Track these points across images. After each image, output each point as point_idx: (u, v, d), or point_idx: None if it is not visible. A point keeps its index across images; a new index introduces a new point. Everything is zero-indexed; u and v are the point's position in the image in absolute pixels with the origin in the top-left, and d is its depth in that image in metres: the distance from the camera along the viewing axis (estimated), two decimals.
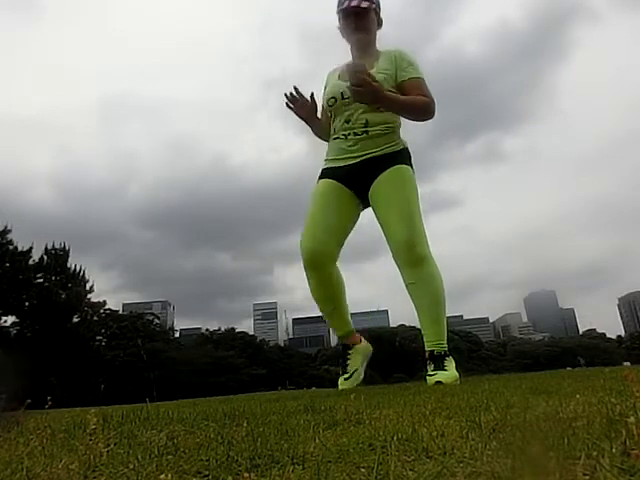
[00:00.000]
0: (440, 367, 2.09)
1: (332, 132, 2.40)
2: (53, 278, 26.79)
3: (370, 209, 2.35)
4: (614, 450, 0.52)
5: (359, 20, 2.33)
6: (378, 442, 0.66)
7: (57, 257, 27.32)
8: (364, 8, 2.31)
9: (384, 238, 2.25)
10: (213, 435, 0.79)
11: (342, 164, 2.31)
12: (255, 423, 0.91)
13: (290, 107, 2.44)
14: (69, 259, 27.78)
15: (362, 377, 2.31)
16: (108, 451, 0.69)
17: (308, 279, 2.33)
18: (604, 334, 65.83)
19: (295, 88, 2.42)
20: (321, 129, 2.51)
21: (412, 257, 2.15)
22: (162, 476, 0.52)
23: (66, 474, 0.58)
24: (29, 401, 1.18)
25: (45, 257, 27.04)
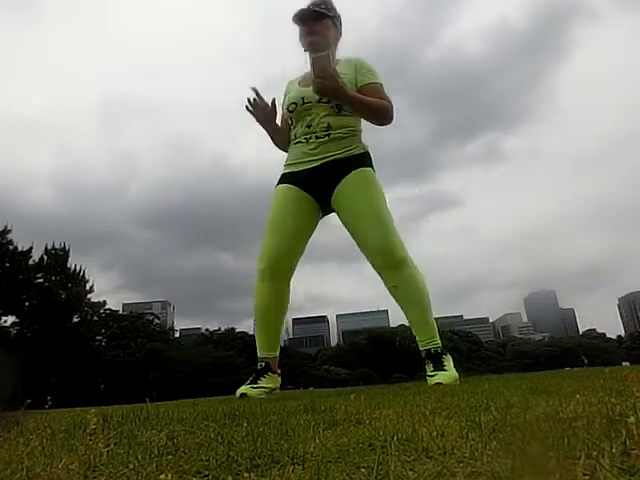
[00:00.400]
0: (440, 367, 2.09)
1: (293, 138, 2.36)
2: (53, 278, 26.80)
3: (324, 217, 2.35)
4: (614, 450, 0.52)
5: (313, 24, 2.35)
6: (378, 442, 0.66)
7: (57, 257, 27.33)
8: (317, 12, 2.34)
9: (353, 241, 2.23)
10: (213, 435, 0.79)
11: (303, 168, 2.27)
12: (255, 423, 0.91)
13: (250, 111, 2.38)
14: (69, 259, 27.81)
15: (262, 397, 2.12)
16: (108, 451, 0.69)
17: (259, 289, 2.26)
18: (604, 334, 65.89)
19: (255, 91, 2.37)
20: (280, 137, 2.46)
21: (391, 261, 2.14)
22: (162, 476, 0.52)
23: (66, 474, 0.58)
24: (29, 401, 1.18)
25: (45, 257, 27.04)
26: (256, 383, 2.18)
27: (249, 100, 2.37)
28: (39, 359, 22.43)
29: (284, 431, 0.80)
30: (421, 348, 2.18)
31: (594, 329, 71.31)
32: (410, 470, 0.53)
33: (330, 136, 2.24)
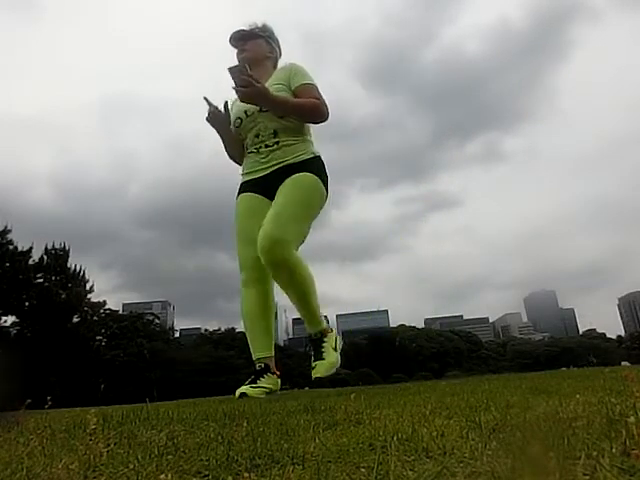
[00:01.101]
0: (319, 355, 2.20)
1: (246, 149, 2.44)
2: (53, 278, 26.80)
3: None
4: (614, 450, 0.52)
5: (243, 42, 2.49)
6: (378, 442, 0.66)
7: (57, 257, 27.33)
8: (246, 32, 2.50)
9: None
10: (213, 435, 0.79)
11: (257, 176, 2.36)
12: (255, 423, 0.91)
13: (210, 122, 2.43)
14: (69, 259, 27.82)
15: (261, 397, 2.14)
16: (108, 451, 0.69)
17: (244, 296, 2.32)
18: (604, 334, 65.92)
19: (207, 101, 2.42)
20: (235, 147, 2.50)
21: (272, 258, 2.11)
22: (162, 476, 0.52)
23: (66, 474, 0.58)
24: (29, 401, 1.18)
25: (45, 257, 27.05)
26: (255, 383, 2.19)
27: (208, 113, 2.42)
28: (39, 359, 22.44)
29: (284, 431, 0.80)
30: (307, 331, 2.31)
31: (594, 329, 71.37)
32: (410, 470, 0.53)
33: (279, 144, 2.33)
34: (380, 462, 0.55)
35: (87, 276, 28.27)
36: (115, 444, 0.75)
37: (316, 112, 2.32)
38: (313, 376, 2.10)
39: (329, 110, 2.34)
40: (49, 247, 27.62)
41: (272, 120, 2.33)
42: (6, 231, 25.19)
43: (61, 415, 1.55)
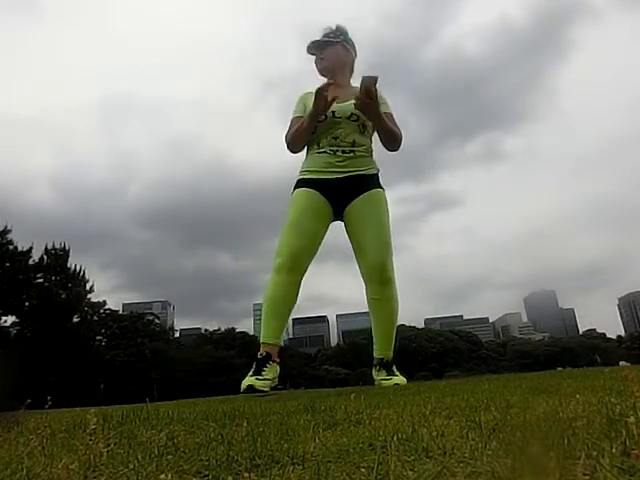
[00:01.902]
0: (392, 372, 2.43)
1: (315, 146, 2.51)
2: (53, 278, 26.77)
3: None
4: (614, 450, 0.52)
5: (322, 52, 2.64)
6: (378, 442, 0.66)
7: (57, 257, 27.30)
8: (325, 41, 2.63)
9: (352, 252, 2.46)
10: (213, 435, 0.79)
11: (328, 177, 2.43)
12: (255, 423, 0.91)
13: (319, 94, 2.36)
14: (69, 259, 27.79)
15: (269, 390, 2.21)
16: (108, 451, 0.69)
17: (274, 280, 2.37)
18: (604, 334, 65.85)
19: (329, 83, 2.44)
20: (308, 136, 2.52)
21: (383, 278, 2.39)
22: (162, 476, 0.52)
23: (66, 474, 0.58)
24: (29, 401, 1.18)
25: (45, 257, 27.01)
26: (260, 374, 2.21)
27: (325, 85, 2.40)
28: (39, 359, 22.42)
29: (284, 431, 0.80)
30: (376, 355, 2.48)
31: (594, 329, 71.28)
32: (410, 470, 0.53)
33: (355, 153, 2.45)
34: (380, 462, 0.55)
35: (87, 276, 28.27)
36: (115, 444, 0.75)
37: (398, 141, 2.52)
38: (392, 383, 2.32)
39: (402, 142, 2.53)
40: (49, 247, 27.59)
41: (353, 131, 2.46)
42: (6, 231, 25.17)
43: (61, 415, 1.55)
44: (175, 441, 0.75)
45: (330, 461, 0.59)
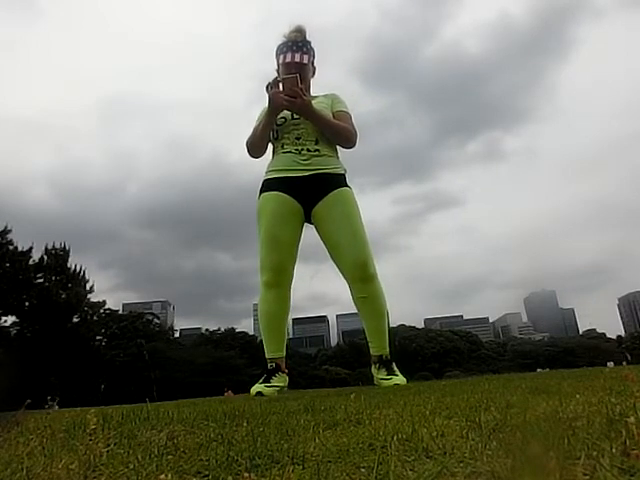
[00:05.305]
0: (392, 372, 2.42)
1: (279, 148, 2.51)
2: (53, 278, 26.75)
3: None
4: (614, 450, 0.52)
5: (292, 54, 2.54)
6: (378, 442, 0.66)
7: (57, 257, 27.28)
8: (305, 64, 2.57)
9: (328, 254, 2.45)
10: (213, 435, 0.79)
11: (294, 175, 2.42)
12: (255, 423, 0.91)
13: (271, 91, 2.45)
14: (69, 259, 27.78)
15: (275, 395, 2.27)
16: (108, 451, 0.69)
17: (264, 297, 2.42)
18: (604, 334, 65.80)
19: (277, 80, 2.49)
20: (267, 138, 2.56)
21: (366, 275, 2.37)
22: (162, 476, 0.52)
23: (66, 474, 0.58)
24: (29, 401, 1.18)
25: (45, 257, 27.00)
26: (269, 382, 2.33)
27: (272, 82, 2.47)
28: (39, 359, 22.41)
29: (284, 431, 0.80)
30: (373, 353, 2.47)
31: (594, 329, 71.26)
32: (410, 470, 0.53)
33: (320, 151, 2.45)
34: (380, 462, 0.55)
35: (87, 276, 28.26)
36: (115, 444, 0.75)
37: (348, 136, 2.52)
38: (392, 383, 2.30)
39: (357, 140, 2.54)
40: (49, 247, 27.59)
41: (314, 130, 2.47)
42: (6, 231, 25.16)
43: (61, 415, 1.55)
44: (175, 441, 0.75)
45: (330, 461, 0.59)
